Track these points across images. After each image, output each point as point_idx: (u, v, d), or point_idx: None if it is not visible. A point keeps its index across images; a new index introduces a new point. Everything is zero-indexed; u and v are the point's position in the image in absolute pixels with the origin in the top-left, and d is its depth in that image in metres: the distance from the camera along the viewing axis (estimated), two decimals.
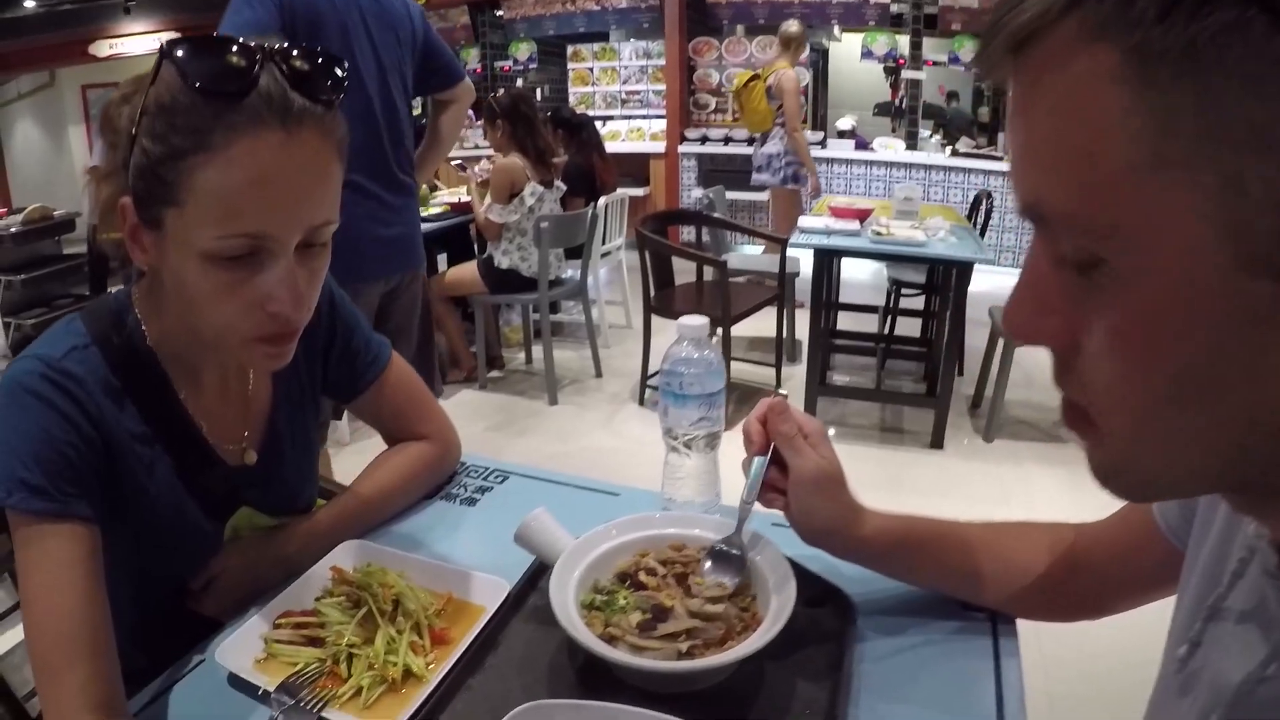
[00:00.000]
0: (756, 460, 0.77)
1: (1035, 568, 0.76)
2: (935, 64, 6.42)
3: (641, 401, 3.61)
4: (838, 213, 3.47)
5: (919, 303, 4.10)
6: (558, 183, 3.71)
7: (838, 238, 3.19)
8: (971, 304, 3.22)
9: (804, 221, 3.37)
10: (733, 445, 0.82)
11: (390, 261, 2.14)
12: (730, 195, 5.13)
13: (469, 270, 3.68)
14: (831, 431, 3.32)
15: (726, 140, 6.54)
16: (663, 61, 6.78)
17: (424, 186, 4.13)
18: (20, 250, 4.57)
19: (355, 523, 0.95)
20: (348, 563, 0.86)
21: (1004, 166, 5.60)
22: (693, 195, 6.44)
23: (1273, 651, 0.44)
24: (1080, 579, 0.74)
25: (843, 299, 4.10)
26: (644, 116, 7.00)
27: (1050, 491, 2.82)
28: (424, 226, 2.44)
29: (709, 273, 3.57)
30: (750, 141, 5.74)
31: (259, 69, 0.67)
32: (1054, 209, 0.36)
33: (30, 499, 0.70)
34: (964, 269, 3.03)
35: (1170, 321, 0.34)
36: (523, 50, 7.48)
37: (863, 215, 3.41)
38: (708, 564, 0.77)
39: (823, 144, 6.33)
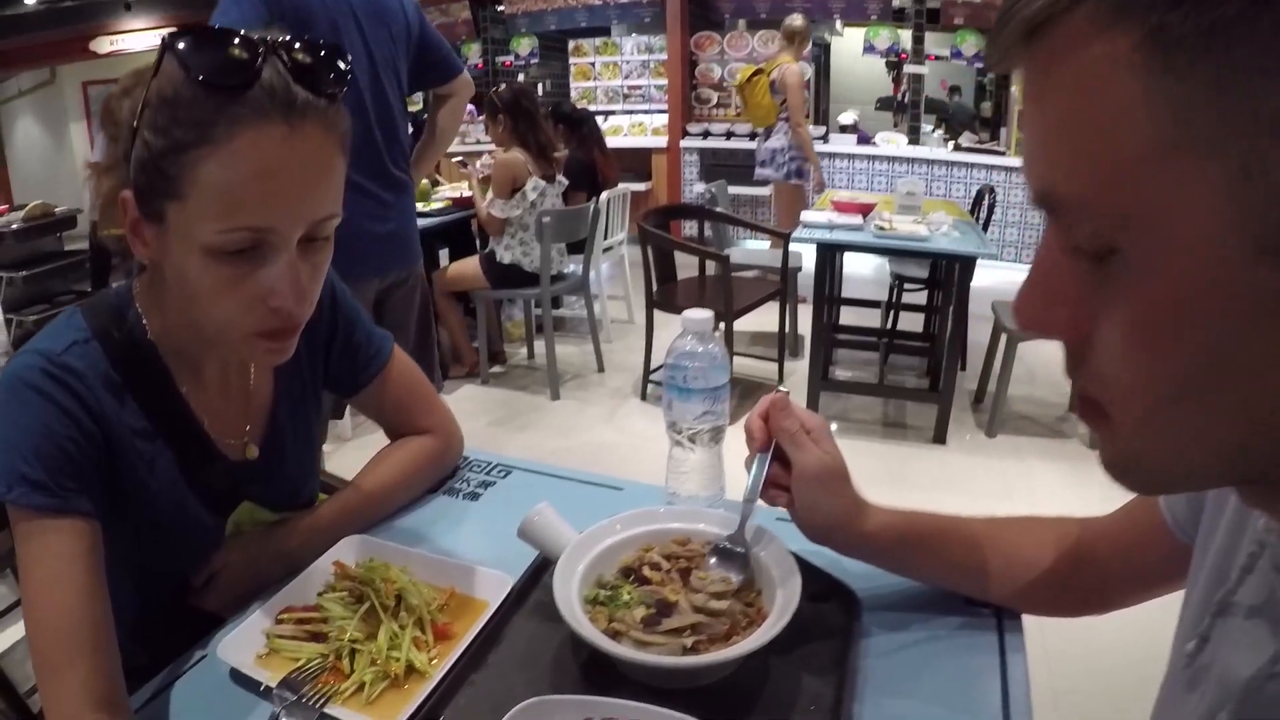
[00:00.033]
0: (759, 457, 0.76)
1: (1040, 563, 0.76)
2: (938, 59, 6.42)
3: (644, 396, 3.61)
4: (840, 207, 3.46)
5: (921, 298, 4.08)
6: (559, 178, 3.71)
7: (840, 232, 3.18)
8: (974, 299, 3.21)
9: (806, 216, 3.36)
10: (736, 440, 0.82)
11: (385, 258, 2.13)
12: (732, 190, 5.12)
13: (471, 265, 3.68)
14: (834, 427, 3.31)
15: (729, 135, 6.53)
16: (664, 56, 6.77)
17: (425, 182, 4.13)
18: (21, 247, 4.57)
19: (357, 517, 0.94)
20: (350, 558, 0.85)
21: (1007, 161, 5.62)
22: (695, 190, 6.43)
23: None
24: (1085, 574, 0.74)
25: (845, 294, 4.10)
26: (646, 111, 6.99)
27: (1053, 486, 2.82)
28: (426, 222, 2.44)
29: (711, 267, 3.57)
30: (753, 136, 5.74)
31: (262, 62, 0.66)
32: (1067, 197, 0.35)
33: (31, 494, 0.70)
34: (966, 264, 3.03)
35: (1184, 311, 0.33)
36: (524, 45, 7.46)
37: (865, 210, 3.40)
38: (711, 561, 0.77)
39: (825, 139, 6.33)
